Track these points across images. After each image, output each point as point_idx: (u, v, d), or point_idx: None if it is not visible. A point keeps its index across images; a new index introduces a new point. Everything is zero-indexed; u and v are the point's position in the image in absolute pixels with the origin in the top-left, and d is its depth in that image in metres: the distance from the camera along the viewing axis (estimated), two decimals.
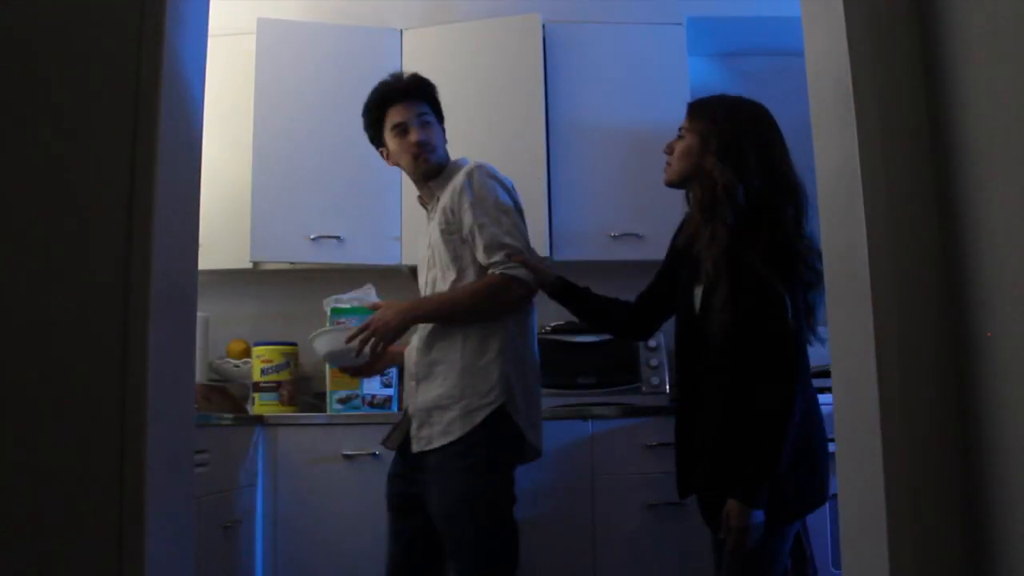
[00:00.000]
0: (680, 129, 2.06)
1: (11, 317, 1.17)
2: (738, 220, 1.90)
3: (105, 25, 1.23)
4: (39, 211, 1.20)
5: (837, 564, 2.69)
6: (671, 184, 2.06)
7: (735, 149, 1.93)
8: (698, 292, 2.02)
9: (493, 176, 2.23)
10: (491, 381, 2.13)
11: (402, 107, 2.29)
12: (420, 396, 2.21)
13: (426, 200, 2.36)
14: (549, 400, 2.98)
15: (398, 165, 2.38)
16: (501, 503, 2.12)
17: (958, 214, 1.20)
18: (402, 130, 2.29)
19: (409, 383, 2.29)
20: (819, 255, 1.86)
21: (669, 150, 2.06)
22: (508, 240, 2.16)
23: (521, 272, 2.15)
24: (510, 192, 2.27)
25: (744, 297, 1.86)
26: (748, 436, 1.83)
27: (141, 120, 1.22)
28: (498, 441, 2.12)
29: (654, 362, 2.98)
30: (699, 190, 1.96)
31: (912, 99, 1.26)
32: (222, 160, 3.09)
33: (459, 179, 2.23)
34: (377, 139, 2.38)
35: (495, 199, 2.20)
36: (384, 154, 2.39)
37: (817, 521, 2.57)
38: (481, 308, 2.16)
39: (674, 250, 2.17)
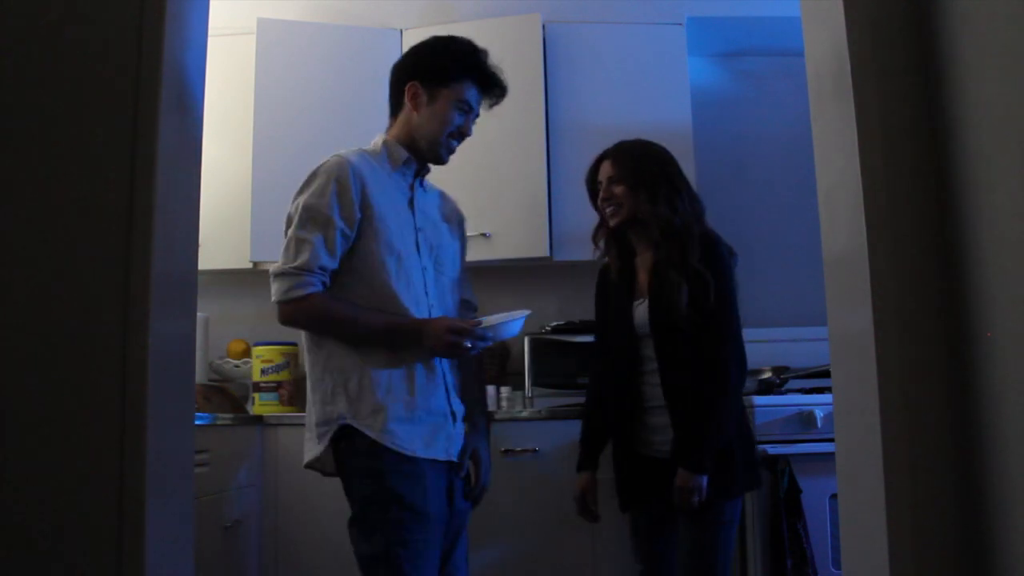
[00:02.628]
0: (601, 178, 2.33)
1: (11, 317, 1.17)
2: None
3: (105, 25, 1.23)
4: (39, 211, 1.20)
5: (837, 564, 2.69)
6: (621, 225, 2.31)
7: (663, 186, 2.24)
8: (640, 305, 2.26)
9: None
10: None
11: (478, 96, 2.10)
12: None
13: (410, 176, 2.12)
14: (549, 400, 2.99)
15: (410, 121, 2.08)
16: None
17: (958, 214, 1.19)
18: (464, 111, 2.08)
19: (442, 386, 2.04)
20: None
21: (608, 195, 2.30)
22: None
23: None
24: None
25: (697, 294, 2.15)
26: (692, 415, 2.11)
27: (141, 120, 1.22)
28: None
29: None
30: (655, 224, 2.24)
31: (912, 99, 1.26)
32: (222, 160, 3.10)
33: (460, 211, 2.26)
34: (428, 80, 2.06)
35: None
36: (412, 95, 2.06)
37: (817, 521, 2.57)
38: None
39: (602, 295, 2.46)
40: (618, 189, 2.26)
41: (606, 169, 2.31)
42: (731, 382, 2.14)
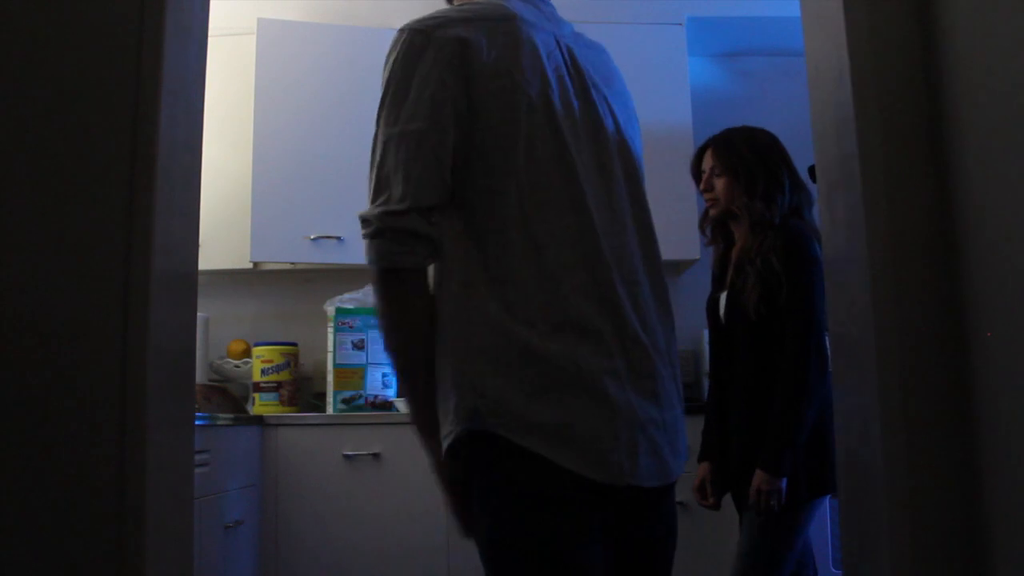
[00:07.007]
0: (704, 167, 2.27)
1: (11, 318, 1.17)
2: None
3: (105, 26, 1.23)
4: (39, 211, 1.20)
5: (837, 564, 2.69)
6: (720, 217, 2.26)
7: (762, 180, 2.17)
8: (722, 298, 2.23)
9: None
10: None
11: None
12: (672, 399, 1.26)
13: None
14: None
15: None
16: None
17: (958, 214, 1.19)
18: None
19: (647, 376, 1.22)
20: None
21: (708, 186, 2.26)
22: None
23: None
24: None
25: (770, 291, 2.08)
26: (771, 415, 2.04)
27: (141, 120, 1.21)
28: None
29: None
30: (747, 218, 2.18)
31: (912, 98, 1.26)
32: (222, 160, 3.10)
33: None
34: None
35: None
36: None
37: (817, 521, 2.57)
38: None
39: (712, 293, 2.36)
40: (718, 181, 2.23)
41: (708, 159, 2.27)
42: (808, 384, 2.02)
